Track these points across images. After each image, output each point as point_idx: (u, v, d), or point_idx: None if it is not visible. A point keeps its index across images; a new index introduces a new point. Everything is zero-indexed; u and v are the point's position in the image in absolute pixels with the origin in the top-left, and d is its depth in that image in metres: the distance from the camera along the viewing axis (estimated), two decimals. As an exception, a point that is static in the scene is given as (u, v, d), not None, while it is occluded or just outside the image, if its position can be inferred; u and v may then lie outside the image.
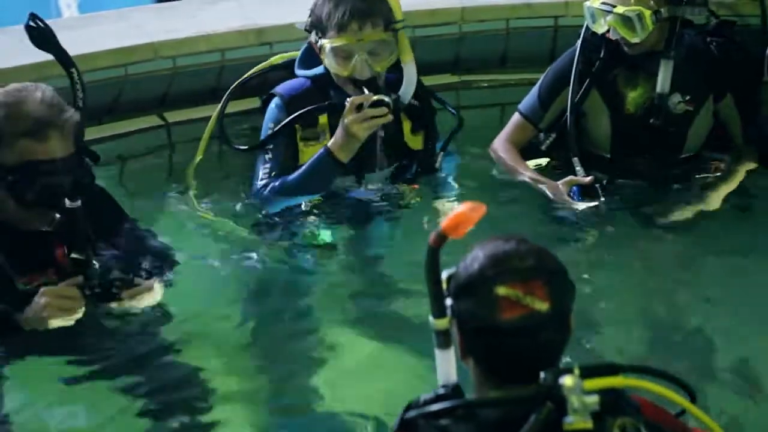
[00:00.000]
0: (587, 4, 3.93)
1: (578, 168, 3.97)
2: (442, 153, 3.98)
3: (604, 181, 3.96)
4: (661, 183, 4.03)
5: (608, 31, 3.89)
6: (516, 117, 4.14)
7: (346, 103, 3.67)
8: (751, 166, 4.05)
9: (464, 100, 4.51)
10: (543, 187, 3.98)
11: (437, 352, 2.21)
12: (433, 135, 3.96)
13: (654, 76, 3.92)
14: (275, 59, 4.06)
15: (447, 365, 2.21)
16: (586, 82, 3.99)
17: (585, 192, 3.92)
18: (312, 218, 3.83)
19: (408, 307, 3.57)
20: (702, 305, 3.63)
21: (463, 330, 2.19)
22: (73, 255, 3.15)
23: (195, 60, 4.44)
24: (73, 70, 3.26)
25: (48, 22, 3.41)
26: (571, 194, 3.92)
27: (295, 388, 3.30)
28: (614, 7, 3.83)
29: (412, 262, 3.79)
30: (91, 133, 4.14)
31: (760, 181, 4.07)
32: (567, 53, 4.09)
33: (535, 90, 4.11)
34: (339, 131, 3.69)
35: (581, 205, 3.91)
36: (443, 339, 2.20)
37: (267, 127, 3.86)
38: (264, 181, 3.82)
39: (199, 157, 4.13)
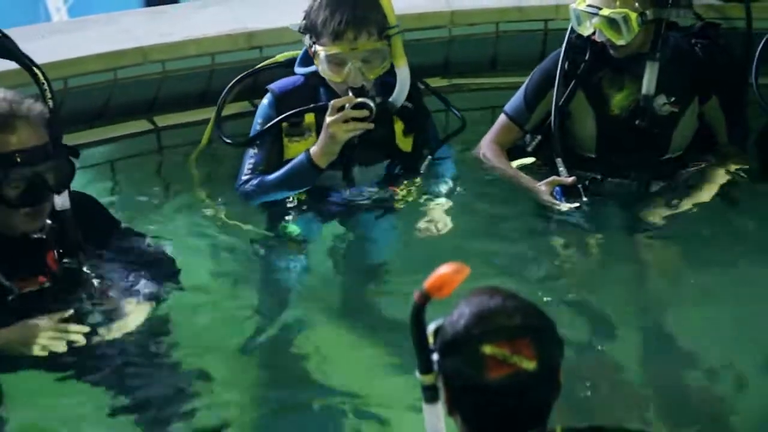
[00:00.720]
0: (573, 6, 3.94)
1: (561, 168, 3.98)
2: (429, 157, 3.98)
3: (587, 182, 3.96)
4: (646, 184, 4.03)
5: (594, 33, 3.90)
6: (502, 118, 4.15)
7: (330, 105, 3.69)
8: (737, 166, 4.06)
9: (454, 103, 4.50)
10: (526, 187, 3.98)
11: (425, 407, 2.19)
12: (423, 138, 3.97)
13: (639, 79, 3.93)
14: (280, 57, 4.07)
15: (435, 419, 2.19)
16: (572, 84, 4.00)
17: (567, 192, 3.92)
18: (290, 213, 3.86)
19: (392, 302, 3.60)
20: (689, 308, 3.63)
21: (449, 387, 2.16)
22: (65, 261, 3.15)
23: (185, 64, 4.44)
24: (39, 72, 3.26)
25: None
26: (554, 194, 3.93)
27: (285, 384, 3.30)
28: (600, 9, 3.84)
29: (394, 260, 3.84)
30: (81, 138, 4.15)
31: (747, 185, 4.07)
32: (552, 55, 4.10)
33: (520, 92, 4.13)
34: (321, 134, 3.72)
35: (564, 206, 3.91)
36: (430, 394, 2.18)
37: (256, 122, 3.90)
38: (247, 177, 3.87)
39: (204, 143, 4.14)
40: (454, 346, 2.13)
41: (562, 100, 3.98)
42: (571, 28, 3.98)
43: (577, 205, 3.91)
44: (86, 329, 3.12)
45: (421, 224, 3.85)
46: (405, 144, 3.92)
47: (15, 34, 4.53)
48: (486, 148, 4.13)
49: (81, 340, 3.10)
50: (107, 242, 3.34)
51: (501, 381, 2.09)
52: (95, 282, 3.22)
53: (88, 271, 3.21)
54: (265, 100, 3.90)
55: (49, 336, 3.07)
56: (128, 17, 4.76)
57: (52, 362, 3.10)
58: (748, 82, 4.12)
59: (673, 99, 3.96)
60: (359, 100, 3.68)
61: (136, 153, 4.31)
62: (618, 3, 3.83)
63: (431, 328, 2.16)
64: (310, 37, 3.78)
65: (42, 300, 3.15)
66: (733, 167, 4.04)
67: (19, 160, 3.01)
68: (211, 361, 3.30)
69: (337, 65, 3.73)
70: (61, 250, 3.18)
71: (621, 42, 3.85)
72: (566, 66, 3.98)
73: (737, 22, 4.46)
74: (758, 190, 4.06)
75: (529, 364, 2.09)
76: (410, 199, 3.93)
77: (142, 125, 4.36)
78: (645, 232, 3.94)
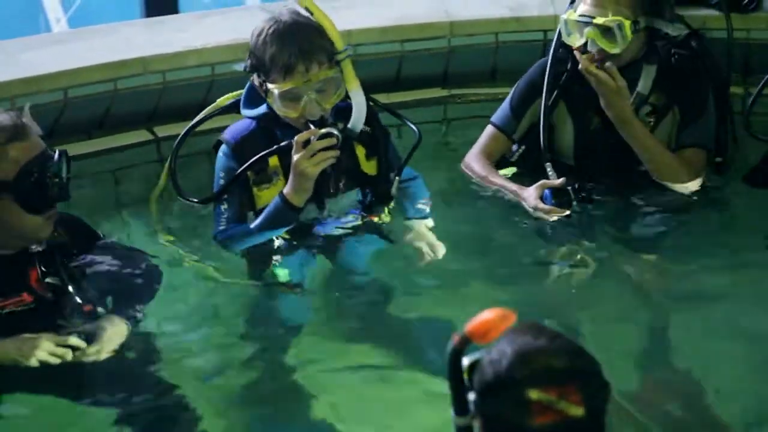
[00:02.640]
0: (563, 16, 3.94)
1: (550, 172, 3.96)
2: (397, 179, 3.84)
3: (576, 185, 3.91)
4: (627, 190, 4.03)
5: (585, 44, 3.89)
6: (489, 129, 4.13)
7: (294, 142, 3.59)
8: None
9: (453, 113, 4.52)
10: (514, 194, 3.96)
11: None
12: (386, 161, 3.83)
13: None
14: (222, 100, 3.93)
15: None
16: (554, 94, 4.01)
17: (557, 195, 3.88)
18: (281, 254, 3.76)
19: (397, 331, 3.57)
20: (681, 316, 3.63)
21: (488, 429, 2.03)
22: (48, 280, 3.16)
23: (185, 74, 4.45)
24: None
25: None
26: (543, 198, 3.89)
27: (279, 414, 3.27)
28: (593, 18, 3.85)
29: (388, 286, 3.78)
30: (81, 148, 4.16)
31: (741, 196, 4.09)
32: (537, 65, 4.11)
33: (506, 102, 4.12)
34: (291, 174, 3.61)
35: (553, 217, 3.87)
36: None
37: (218, 176, 3.75)
38: (222, 229, 3.73)
39: (162, 183, 4.00)
40: (496, 388, 2.00)
41: (547, 110, 3.98)
42: (556, 38, 4.00)
43: (567, 213, 3.86)
44: (83, 345, 3.10)
45: (423, 249, 3.76)
46: (370, 168, 3.80)
47: (16, 44, 4.57)
48: (472, 159, 4.10)
49: (79, 356, 3.10)
50: (89, 256, 3.31)
51: (546, 428, 1.97)
52: (77, 299, 3.19)
53: (71, 290, 3.19)
54: (221, 153, 3.75)
55: (48, 350, 3.07)
56: (128, 27, 4.78)
57: (43, 377, 3.09)
58: (729, 91, 4.12)
59: (649, 109, 3.98)
60: (323, 130, 3.57)
61: (137, 163, 4.32)
62: (610, 12, 3.84)
63: (466, 361, 2.04)
64: (259, 76, 3.66)
65: (26, 318, 3.13)
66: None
67: (44, 163, 3.06)
68: (199, 388, 3.25)
69: (292, 100, 3.60)
70: (44, 268, 3.17)
71: (615, 51, 3.85)
72: (550, 77, 3.99)
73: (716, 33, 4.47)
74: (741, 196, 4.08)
75: (577, 411, 1.96)
76: (390, 222, 3.84)
77: (142, 135, 4.36)
78: (635, 242, 3.94)
